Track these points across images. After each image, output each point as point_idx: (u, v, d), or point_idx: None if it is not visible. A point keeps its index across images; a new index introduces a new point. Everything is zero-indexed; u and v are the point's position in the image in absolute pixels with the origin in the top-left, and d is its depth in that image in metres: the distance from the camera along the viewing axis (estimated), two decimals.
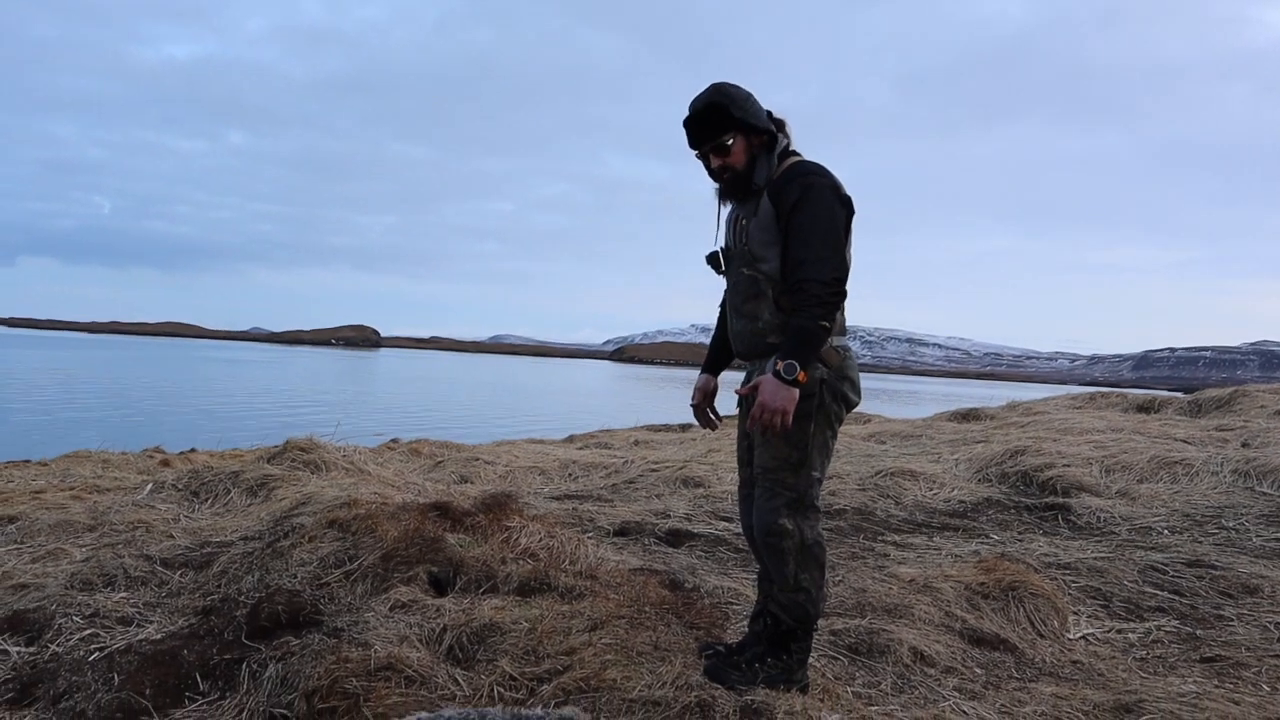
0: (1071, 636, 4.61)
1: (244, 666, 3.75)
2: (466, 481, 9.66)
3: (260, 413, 34.50)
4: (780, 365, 3.01)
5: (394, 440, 14.31)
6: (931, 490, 8.17)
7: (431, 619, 3.83)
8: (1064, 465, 8.53)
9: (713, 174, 3.35)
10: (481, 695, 3.16)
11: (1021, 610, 4.64)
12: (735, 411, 3.69)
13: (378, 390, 59.70)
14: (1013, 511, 7.64)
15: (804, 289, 3.05)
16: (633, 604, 3.88)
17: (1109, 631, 4.73)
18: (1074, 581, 5.48)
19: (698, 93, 3.32)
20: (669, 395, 62.33)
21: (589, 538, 5.81)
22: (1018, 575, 4.84)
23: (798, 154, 3.29)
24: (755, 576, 4.07)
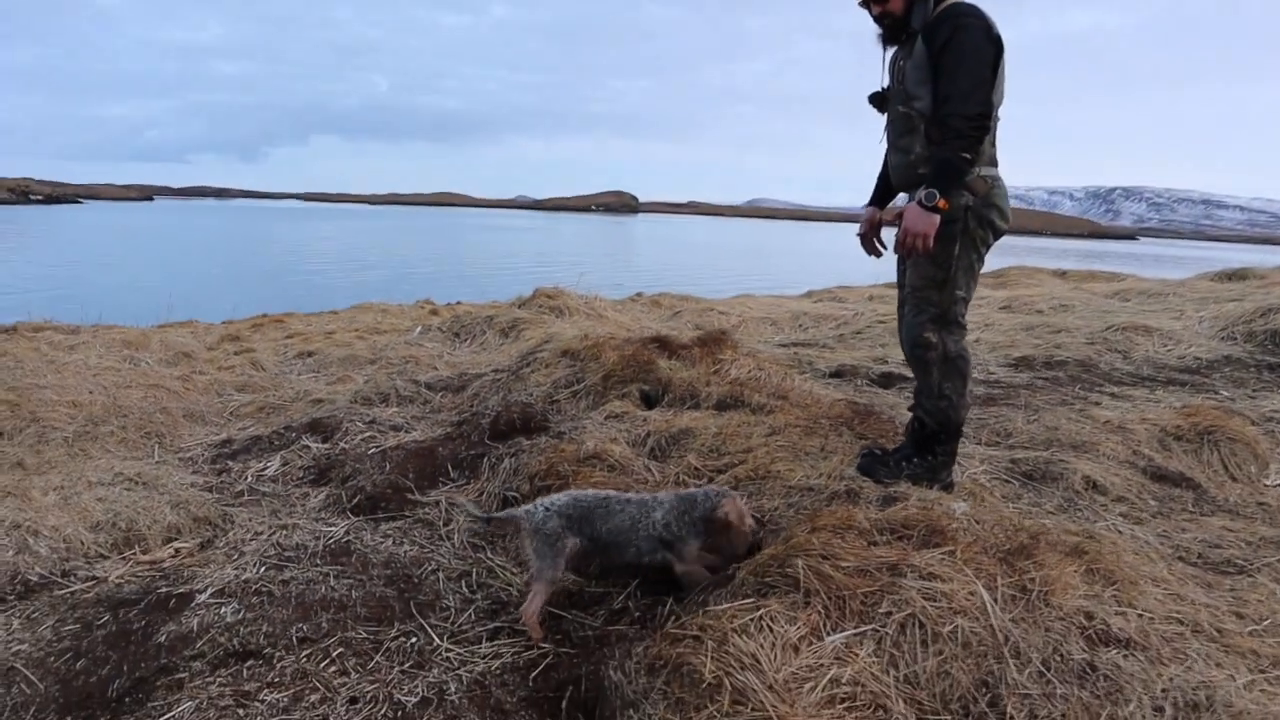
0: (1269, 483, 4.58)
1: (485, 460, 4.50)
2: (700, 329, 10.22)
3: (520, 271, 36.84)
4: (922, 194, 3.26)
5: (638, 294, 15.09)
6: (1165, 346, 7.91)
7: (638, 426, 4.42)
8: None
9: (875, 20, 3.55)
10: (669, 480, 3.72)
11: (1215, 453, 4.64)
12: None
13: (634, 252, 61.57)
14: (1252, 370, 7.31)
15: (948, 123, 3.25)
16: (811, 418, 4.29)
17: None
18: None
19: None
20: None
21: (803, 375, 6.22)
22: (1216, 420, 4.81)
23: None
24: None
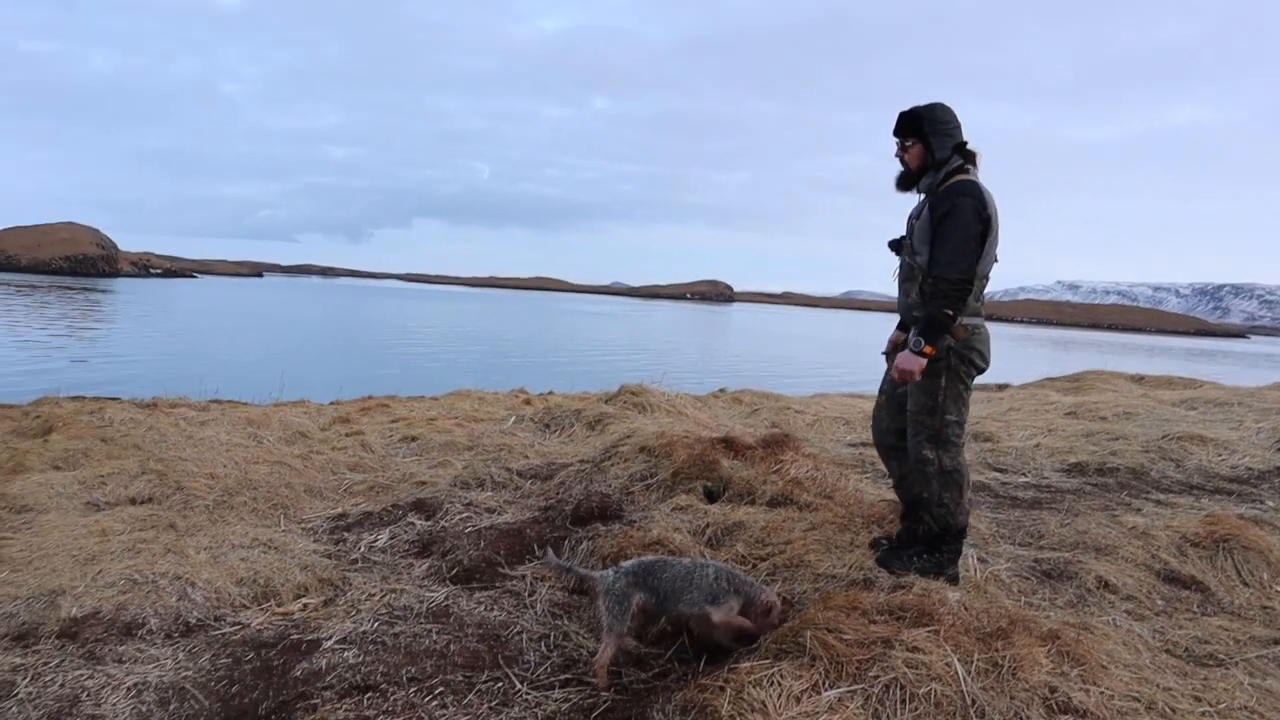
0: None
1: (566, 542, 5.20)
2: (775, 428, 10.80)
3: (612, 359, 38.08)
4: (911, 340, 4.02)
5: (721, 389, 15.70)
6: (1219, 456, 8.23)
7: (699, 518, 5.07)
8: None
9: (899, 160, 4.29)
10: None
11: (1229, 560, 5.04)
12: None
13: (723, 343, 62.55)
14: None
15: (936, 284, 3.98)
16: (849, 515, 4.90)
17: None
18: None
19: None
20: (1015, 353, 60.22)
21: (862, 475, 6.77)
22: (1234, 528, 5.22)
23: (966, 172, 4.10)
24: (992, 517, 4.94)
